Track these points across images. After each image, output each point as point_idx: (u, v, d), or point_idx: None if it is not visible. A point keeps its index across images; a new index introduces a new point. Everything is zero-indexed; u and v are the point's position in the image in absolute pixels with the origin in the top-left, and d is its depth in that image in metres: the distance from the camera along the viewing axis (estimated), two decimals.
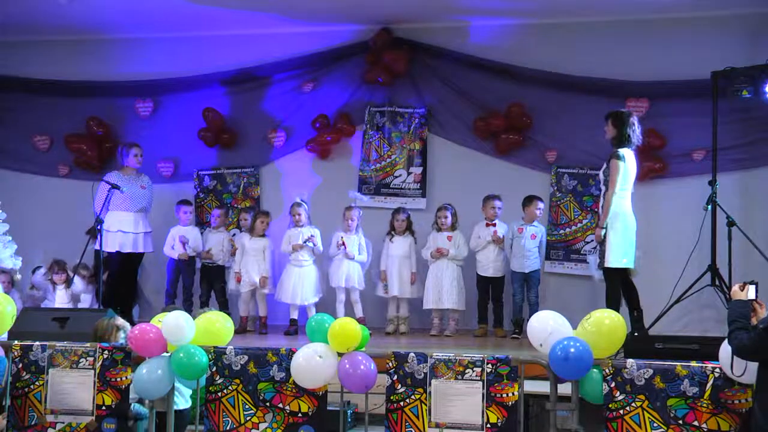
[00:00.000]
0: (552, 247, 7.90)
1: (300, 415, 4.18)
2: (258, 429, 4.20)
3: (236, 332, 5.29)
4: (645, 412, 3.85)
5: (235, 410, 4.23)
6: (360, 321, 6.62)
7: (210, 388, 4.26)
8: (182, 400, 4.84)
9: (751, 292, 3.68)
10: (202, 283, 7.92)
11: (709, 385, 3.78)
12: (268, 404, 4.21)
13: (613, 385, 3.89)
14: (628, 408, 3.87)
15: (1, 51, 8.76)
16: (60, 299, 7.23)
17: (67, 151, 8.73)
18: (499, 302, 7.52)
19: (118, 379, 4.32)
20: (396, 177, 8.35)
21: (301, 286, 7.42)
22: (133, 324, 4.88)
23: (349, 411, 5.61)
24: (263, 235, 7.68)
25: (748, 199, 7.58)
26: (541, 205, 7.52)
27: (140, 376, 4.25)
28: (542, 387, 4.44)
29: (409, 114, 8.34)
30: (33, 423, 4.37)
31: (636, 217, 6.36)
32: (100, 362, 4.34)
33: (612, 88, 7.73)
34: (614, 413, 3.88)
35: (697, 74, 7.28)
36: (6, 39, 8.68)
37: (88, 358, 4.35)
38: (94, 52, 8.71)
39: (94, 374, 4.33)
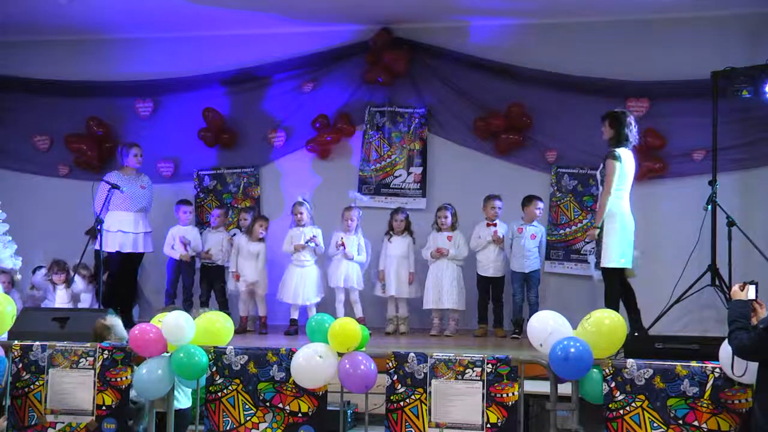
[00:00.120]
0: (552, 247, 7.90)
1: (300, 415, 4.18)
2: (258, 429, 4.20)
3: (236, 332, 5.28)
4: (645, 412, 3.85)
5: (235, 410, 4.23)
6: (360, 321, 6.62)
7: (210, 388, 4.26)
8: (184, 399, 4.83)
9: (751, 292, 3.68)
10: (202, 283, 7.92)
11: (709, 385, 3.78)
12: (268, 404, 4.21)
13: (613, 385, 3.90)
14: (628, 408, 3.87)
15: (1, 51, 8.76)
16: (60, 299, 7.23)
17: (67, 151, 8.73)
18: (500, 302, 7.52)
19: (118, 379, 4.32)
20: (396, 177, 8.35)
21: (302, 286, 7.42)
22: (133, 324, 4.88)
23: (349, 411, 5.61)
24: (260, 240, 7.67)
25: (748, 199, 7.58)
26: (540, 204, 7.52)
27: (140, 376, 4.25)
28: (542, 387, 4.44)
29: (409, 114, 8.34)
30: (33, 423, 4.37)
31: (636, 217, 6.34)
32: (100, 362, 4.34)
33: (612, 88, 7.73)
34: (614, 413, 3.88)
35: (697, 74, 7.28)
36: (6, 39, 8.68)
37: (88, 358, 4.35)
38: (94, 52, 8.71)
39: (94, 374, 4.33)
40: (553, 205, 7.99)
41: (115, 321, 4.79)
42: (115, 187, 7.08)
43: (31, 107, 8.82)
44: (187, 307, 7.44)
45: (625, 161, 6.16)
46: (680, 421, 3.80)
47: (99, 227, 6.80)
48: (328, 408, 4.24)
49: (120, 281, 7.66)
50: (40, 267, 7.62)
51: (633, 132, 6.25)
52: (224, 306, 7.78)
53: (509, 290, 7.52)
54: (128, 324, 5.27)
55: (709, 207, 6.64)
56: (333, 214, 7.76)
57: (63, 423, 4.34)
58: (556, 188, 8.01)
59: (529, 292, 7.44)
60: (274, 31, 8.37)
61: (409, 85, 8.35)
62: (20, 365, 4.41)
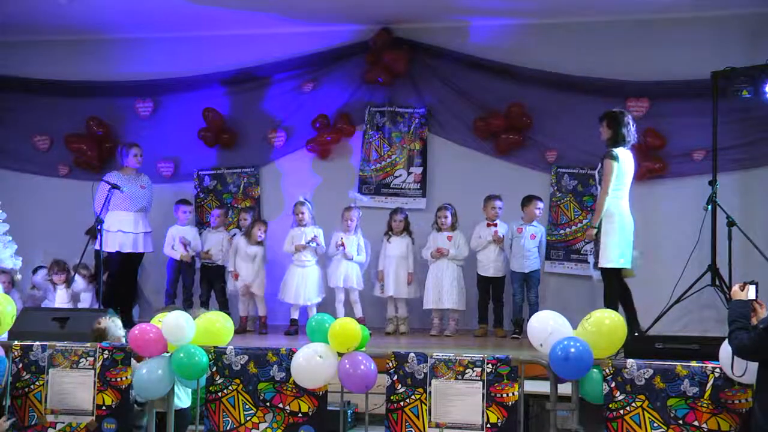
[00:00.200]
0: (552, 247, 7.90)
1: (300, 415, 4.18)
2: (258, 429, 4.20)
3: (236, 332, 5.29)
4: (645, 412, 3.85)
5: (236, 410, 4.23)
6: (360, 321, 6.62)
7: (210, 388, 4.26)
8: (185, 398, 4.83)
9: (751, 292, 3.68)
10: (202, 283, 7.92)
11: (709, 385, 3.78)
12: (268, 404, 4.21)
13: (613, 385, 3.90)
14: (628, 408, 3.87)
15: (1, 51, 8.76)
16: (60, 299, 7.24)
17: (67, 151, 8.73)
18: (500, 302, 7.52)
19: (118, 379, 4.32)
20: (396, 177, 8.35)
21: (304, 286, 7.42)
22: (133, 324, 4.88)
23: (349, 411, 5.61)
24: (259, 243, 7.67)
25: (748, 199, 7.58)
26: (540, 204, 7.52)
27: (140, 376, 4.25)
28: (542, 387, 4.44)
29: (409, 114, 8.34)
30: (33, 423, 4.37)
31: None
32: (100, 362, 4.34)
33: (612, 88, 7.73)
34: (614, 413, 3.88)
35: (697, 74, 7.28)
36: (6, 39, 8.68)
37: (88, 358, 4.35)
38: (94, 52, 8.71)
39: (94, 374, 4.33)
40: (553, 205, 7.99)
41: (109, 323, 4.77)
42: (115, 187, 7.08)
43: (31, 107, 8.82)
44: (187, 307, 7.44)
45: (623, 161, 6.15)
46: (680, 421, 3.80)
47: (99, 227, 6.80)
48: (328, 408, 4.24)
49: (120, 281, 7.66)
50: (41, 267, 7.63)
51: (631, 131, 6.24)
52: (224, 306, 7.78)
53: (509, 290, 7.52)
54: (128, 324, 5.28)
55: (709, 207, 6.63)
56: (333, 214, 7.75)
57: (63, 423, 4.35)
58: (556, 188, 8.01)
59: (529, 292, 7.44)
60: (274, 31, 8.37)
61: (409, 85, 8.35)
62: (20, 365, 4.41)
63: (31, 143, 8.88)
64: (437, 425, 4.02)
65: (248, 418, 4.21)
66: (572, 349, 3.86)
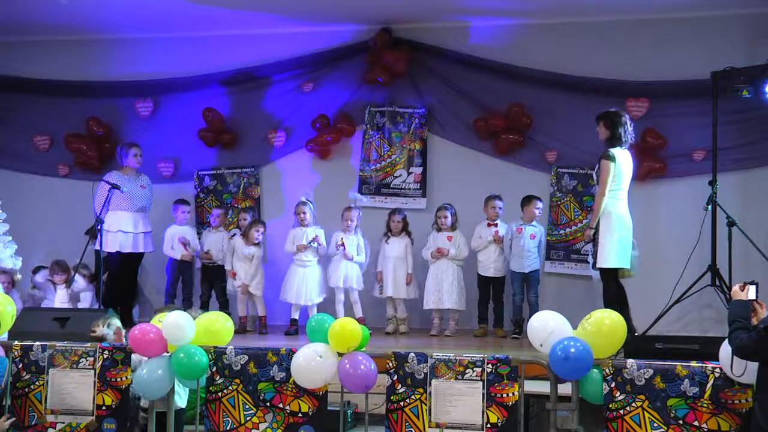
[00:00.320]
0: (552, 247, 7.90)
1: (300, 415, 4.18)
2: (258, 429, 4.21)
3: (236, 332, 5.29)
4: (645, 412, 3.85)
5: (236, 410, 4.23)
6: (360, 321, 6.62)
7: (210, 388, 4.26)
8: (184, 396, 4.83)
9: (751, 292, 3.69)
10: (202, 283, 7.92)
11: (709, 385, 3.79)
12: (268, 404, 4.21)
13: (613, 385, 3.90)
14: (628, 408, 3.87)
15: (1, 51, 8.76)
16: (60, 299, 7.24)
17: (67, 151, 8.72)
18: (500, 302, 7.52)
19: (118, 379, 4.32)
20: (396, 177, 8.35)
21: (305, 286, 7.42)
22: (133, 324, 4.88)
23: (349, 411, 5.60)
24: (256, 244, 7.67)
25: (748, 199, 7.58)
26: (540, 204, 7.52)
27: (140, 376, 4.25)
28: (542, 387, 4.44)
29: (409, 114, 8.34)
30: (33, 423, 4.38)
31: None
32: (100, 362, 4.34)
33: (612, 88, 7.72)
34: (614, 413, 3.89)
35: (697, 74, 7.28)
36: (6, 39, 8.68)
37: (88, 358, 4.36)
38: (94, 52, 8.71)
39: (94, 374, 4.34)
40: (553, 205, 7.99)
41: (104, 330, 4.76)
42: (115, 187, 7.09)
43: (31, 107, 8.82)
44: (187, 307, 7.45)
45: (620, 161, 6.13)
46: (680, 421, 3.81)
47: (99, 227, 6.81)
48: (328, 408, 4.25)
49: (120, 281, 7.65)
50: (41, 267, 7.63)
51: (628, 131, 6.22)
52: (225, 306, 7.78)
53: (509, 290, 7.52)
54: (128, 324, 5.28)
55: (709, 207, 6.63)
56: (333, 215, 7.75)
57: (63, 423, 4.35)
58: (556, 188, 8.01)
59: (529, 292, 7.44)
60: (274, 31, 8.37)
61: (409, 85, 8.34)
62: (20, 365, 4.41)
63: (31, 143, 8.87)
64: (437, 425, 4.02)
65: (248, 418, 4.21)
66: (572, 349, 3.87)
